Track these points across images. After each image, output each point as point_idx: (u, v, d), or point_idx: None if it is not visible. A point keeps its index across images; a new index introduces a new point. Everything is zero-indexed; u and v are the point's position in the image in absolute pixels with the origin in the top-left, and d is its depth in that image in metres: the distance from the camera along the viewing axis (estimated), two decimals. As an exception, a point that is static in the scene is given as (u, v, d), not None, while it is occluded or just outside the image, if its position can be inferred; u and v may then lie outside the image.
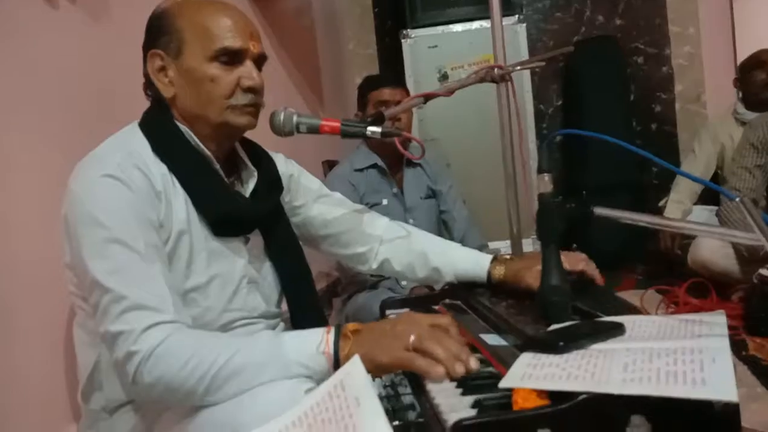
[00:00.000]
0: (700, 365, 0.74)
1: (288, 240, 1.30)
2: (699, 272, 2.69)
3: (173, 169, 1.12)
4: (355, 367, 0.76)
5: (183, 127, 1.16)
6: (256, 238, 1.24)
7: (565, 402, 0.72)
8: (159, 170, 1.10)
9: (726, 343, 0.81)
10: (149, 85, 1.19)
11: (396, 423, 0.91)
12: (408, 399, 1.08)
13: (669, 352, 0.79)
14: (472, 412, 0.77)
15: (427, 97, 1.55)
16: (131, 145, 1.11)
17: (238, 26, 1.14)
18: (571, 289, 1.03)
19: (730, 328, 2.16)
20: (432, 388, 0.88)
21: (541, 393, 0.74)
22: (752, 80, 3.01)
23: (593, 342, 0.87)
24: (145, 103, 1.21)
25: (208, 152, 1.16)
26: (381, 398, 0.97)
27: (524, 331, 0.99)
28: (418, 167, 2.47)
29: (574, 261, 1.30)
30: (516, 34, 3.37)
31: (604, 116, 3.70)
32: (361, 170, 2.38)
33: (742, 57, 3.38)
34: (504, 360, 0.91)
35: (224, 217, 1.15)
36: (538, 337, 0.92)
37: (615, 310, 1.04)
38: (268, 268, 1.26)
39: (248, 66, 1.15)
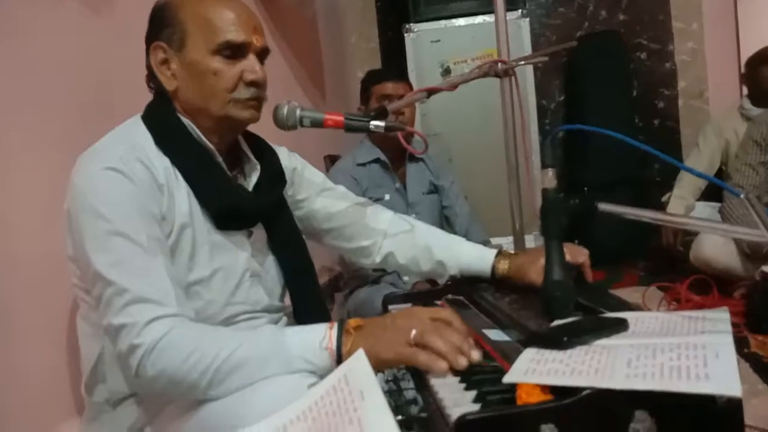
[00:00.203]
0: (703, 360, 0.74)
1: (291, 234, 1.30)
2: (701, 269, 2.68)
3: (176, 162, 1.12)
4: (359, 361, 0.76)
5: (186, 120, 1.15)
6: (259, 232, 1.24)
7: (568, 397, 0.72)
8: (162, 163, 1.10)
9: (730, 339, 0.81)
10: (152, 78, 1.18)
11: (399, 418, 0.91)
12: (411, 394, 1.08)
13: (672, 347, 0.79)
14: (476, 407, 0.77)
15: (430, 92, 1.55)
16: (134, 138, 1.11)
17: (242, 19, 1.14)
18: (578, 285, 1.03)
19: (732, 324, 2.17)
20: (435, 382, 0.88)
21: (544, 388, 0.74)
22: (760, 76, 3.00)
23: (597, 337, 0.87)
24: (145, 97, 1.21)
25: (210, 145, 1.16)
26: (383, 393, 0.97)
27: (527, 327, 0.99)
28: (421, 162, 2.47)
29: (576, 254, 1.30)
30: (519, 28, 3.37)
31: (607, 112, 3.70)
32: (363, 165, 2.37)
33: (745, 53, 3.37)
34: (507, 355, 0.91)
35: (227, 210, 1.15)
36: (541, 332, 0.92)
37: (615, 306, 1.04)
38: (271, 262, 1.26)
39: (251, 60, 1.14)
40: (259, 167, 1.24)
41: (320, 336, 0.97)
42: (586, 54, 3.80)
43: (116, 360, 1.06)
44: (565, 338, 0.85)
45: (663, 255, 3.17)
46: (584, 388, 0.72)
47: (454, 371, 0.91)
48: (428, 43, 3.42)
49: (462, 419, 0.70)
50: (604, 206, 1.02)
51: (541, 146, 3.31)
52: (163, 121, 1.15)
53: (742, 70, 3.22)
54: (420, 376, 0.94)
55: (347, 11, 4.05)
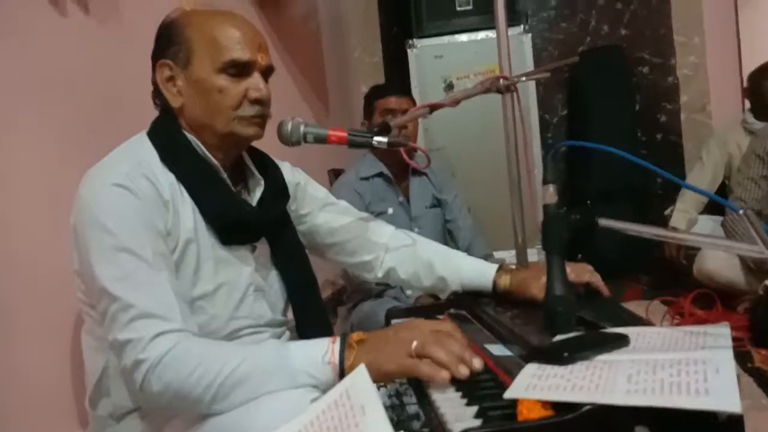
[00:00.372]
0: (704, 376, 0.75)
1: (294, 248, 1.31)
2: (704, 283, 2.68)
3: (181, 178, 1.13)
4: (360, 376, 0.76)
5: (191, 137, 1.17)
6: (263, 246, 1.25)
7: (569, 413, 0.72)
8: (167, 179, 1.11)
9: (730, 354, 0.82)
10: (157, 94, 1.20)
11: (401, 432, 0.92)
12: (413, 409, 1.08)
13: (673, 363, 0.79)
14: (477, 422, 0.77)
15: (433, 108, 1.56)
16: (139, 155, 1.12)
17: (247, 38, 1.15)
18: (578, 300, 1.04)
19: (735, 339, 2.16)
20: (437, 398, 0.89)
21: (545, 404, 0.75)
22: (762, 90, 3.00)
23: (598, 353, 0.88)
24: (151, 111, 1.22)
25: (215, 161, 1.17)
26: (386, 408, 0.98)
27: (529, 342, 0.99)
28: (424, 176, 2.48)
29: (581, 272, 1.30)
30: (521, 44, 3.39)
31: (609, 126, 3.70)
32: (366, 179, 2.39)
33: (747, 67, 3.38)
34: (509, 370, 0.91)
35: (231, 225, 1.16)
36: (542, 347, 0.93)
37: (621, 322, 1.04)
38: (274, 276, 1.27)
39: (256, 78, 1.16)
40: (263, 182, 1.25)
41: (323, 350, 0.98)
42: (588, 69, 3.82)
43: (120, 374, 1.07)
44: (566, 354, 0.85)
45: (666, 269, 3.17)
46: (585, 404, 0.72)
47: (456, 382, 0.91)
48: (431, 58, 3.44)
49: (463, 434, 0.70)
50: (605, 222, 1.02)
51: (543, 161, 3.31)
52: (168, 137, 1.16)
53: (745, 83, 3.23)
54: (422, 391, 0.94)
55: (351, 26, 4.08)
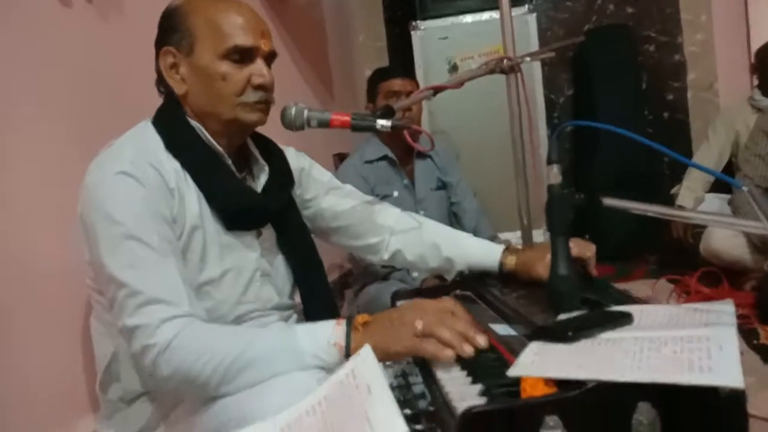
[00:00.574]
0: (707, 353, 0.75)
1: (300, 233, 1.32)
2: (711, 261, 2.68)
3: (185, 165, 1.14)
4: (365, 357, 0.77)
5: (195, 124, 1.17)
6: (269, 232, 1.26)
7: (572, 390, 0.73)
8: (172, 166, 1.12)
9: (733, 331, 0.82)
10: (161, 82, 1.20)
11: (407, 412, 0.93)
12: (419, 388, 1.09)
13: (676, 340, 0.80)
14: (482, 400, 0.78)
15: (437, 90, 1.55)
16: (144, 142, 1.13)
17: (250, 24, 1.15)
18: (581, 278, 1.04)
19: (742, 317, 2.16)
20: (442, 377, 0.90)
21: (548, 381, 0.76)
22: None
23: (601, 331, 0.88)
24: (155, 100, 1.23)
25: (219, 148, 1.18)
26: (392, 388, 0.99)
27: (533, 321, 1.00)
28: (429, 159, 2.48)
29: (584, 248, 1.30)
30: (526, 24, 3.36)
31: (616, 105, 3.68)
32: (371, 162, 2.39)
33: (755, 44, 3.34)
34: (513, 349, 0.92)
35: (236, 211, 1.17)
36: (546, 326, 0.93)
37: (620, 300, 1.05)
38: (280, 261, 1.28)
39: (259, 64, 1.16)
40: (267, 168, 1.26)
41: (329, 332, 0.99)
42: (594, 48, 3.78)
43: (130, 359, 1.09)
44: (570, 332, 0.86)
45: (673, 248, 3.16)
46: (588, 381, 0.73)
47: (461, 361, 0.93)
48: (435, 40, 3.42)
49: (467, 412, 0.71)
50: (609, 201, 1.03)
51: (549, 141, 3.30)
52: (172, 124, 1.17)
53: (752, 60, 3.19)
54: (427, 370, 0.95)
55: (355, 10, 4.06)
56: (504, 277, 1.35)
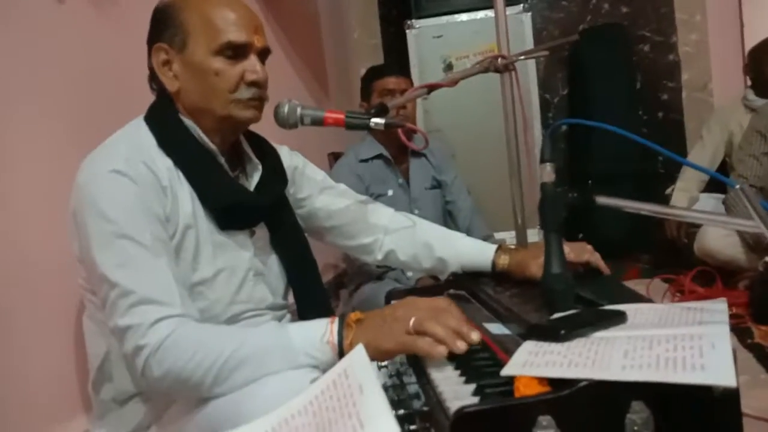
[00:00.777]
0: (699, 351, 0.75)
1: (293, 232, 1.31)
2: (705, 260, 2.68)
3: (178, 163, 1.13)
4: (358, 356, 0.77)
5: (188, 121, 1.17)
6: (262, 231, 1.25)
7: (565, 389, 0.72)
8: (164, 164, 1.11)
9: (726, 329, 0.82)
10: (154, 79, 1.20)
11: (402, 412, 0.93)
12: (413, 388, 1.09)
13: (669, 338, 0.80)
14: (475, 400, 0.78)
15: (431, 88, 1.55)
16: (137, 140, 1.12)
17: (243, 20, 1.15)
18: (578, 279, 1.04)
19: (736, 316, 2.17)
20: (435, 376, 0.90)
21: (542, 380, 0.75)
22: (763, 66, 2.98)
23: (595, 330, 0.88)
24: (150, 96, 1.22)
25: (212, 146, 1.17)
26: (387, 388, 0.99)
27: (527, 320, 1.00)
28: (423, 158, 2.47)
29: (580, 252, 1.30)
30: (521, 23, 3.36)
31: (611, 105, 3.69)
32: (366, 161, 2.39)
33: (749, 44, 3.35)
34: (507, 348, 0.92)
35: (229, 210, 1.16)
36: (540, 325, 0.93)
37: (621, 299, 1.04)
38: (274, 261, 1.27)
39: (252, 60, 1.15)
40: (260, 167, 1.25)
41: (322, 330, 0.99)
42: (589, 47, 3.79)
43: (122, 359, 1.08)
44: (563, 331, 0.86)
45: (668, 247, 3.17)
46: (581, 380, 0.73)
47: (455, 360, 0.92)
48: (430, 38, 3.42)
49: (460, 412, 0.71)
50: (602, 200, 1.02)
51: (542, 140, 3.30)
52: (165, 122, 1.16)
53: (746, 60, 3.20)
54: (421, 369, 0.95)
55: (349, 8, 4.05)
56: (497, 276, 1.35)
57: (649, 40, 4.04)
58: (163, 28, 1.16)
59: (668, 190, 3.14)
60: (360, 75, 2.55)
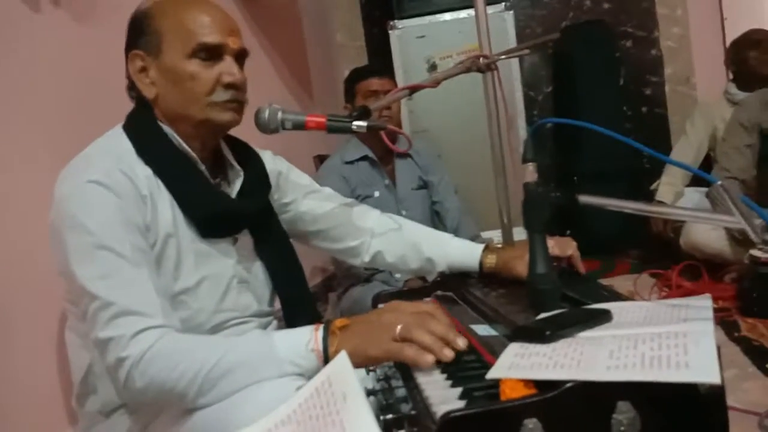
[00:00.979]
0: (683, 349, 0.75)
1: (278, 238, 1.31)
2: (692, 254, 2.70)
3: (158, 171, 1.12)
4: (341, 363, 0.76)
5: (166, 129, 1.16)
6: (245, 238, 1.25)
7: (551, 391, 0.72)
8: (144, 173, 1.10)
9: (710, 326, 0.82)
10: (132, 87, 1.19)
11: (390, 416, 0.92)
12: (401, 392, 1.09)
13: (654, 337, 0.80)
14: (461, 404, 0.77)
15: (413, 89, 1.55)
16: (116, 149, 1.11)
17: (216, 22, 1.14)
18: (561, 276, 1.04)
19: (722, 309, 2.17)
20: (422, 380, 0.89)
21: (528, 383, 0.75)
22: (744, 59, 3.00)
23: (580, 330, 0.88)
24: (129, 103, 1.21)
25: (192, 153, 1.16)
26: (375, 392, 0.98)
27: (513, 321, 0.99)
28: (409, 158, 2.47)
29: (564, 246, 1.30)
30: (503, 21, 3.36)
31: (595, 101, 3.69)
32: (351, 163, 2.38)
33: (731, 37, 3.37)
34: (494, 350, 0.91)
35: (210, 218, 1.15)
36: (525, 326, 0.93)
37: (602, 298, 1.04)
38: (258, 267, 1.27)
39: (228, 62, 1.14)
40: (242, 173, 1.24)
41: (306, 338, 0.98)
42: (573, 44, 3.80)
43: (106, 371, 1.07)
44: (548, 332, 0.85)
45: (656, 242, 3.18)
46: (566, 382, 0.72)
47: (442, 364, 0.91)
48: (413, 39, 3.42)
49: (446, 417, 0.70)
50: (585, 198, 1.02)
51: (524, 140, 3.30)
52: (143, 130, 1.15)
53: (727, 53, 3.22)
54: (407, 373, 0.94)
55: (332, 9, 4.05)
56: (485, 276, 1.35)
57: (631, 36, 4.06)
58: (138, 35, 1.15)
59: (654, 185, 3.15)
60: (344, 77, 2.55)
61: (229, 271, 1.19)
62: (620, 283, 2.63)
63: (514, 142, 1.73)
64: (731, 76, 3.16)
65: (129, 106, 1.21)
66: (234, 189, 1.23)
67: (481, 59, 1.67)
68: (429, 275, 1.48)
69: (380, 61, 3.67)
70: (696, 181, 3.12)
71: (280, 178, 1.38)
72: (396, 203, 2.38)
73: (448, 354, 0.91)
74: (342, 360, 0.77)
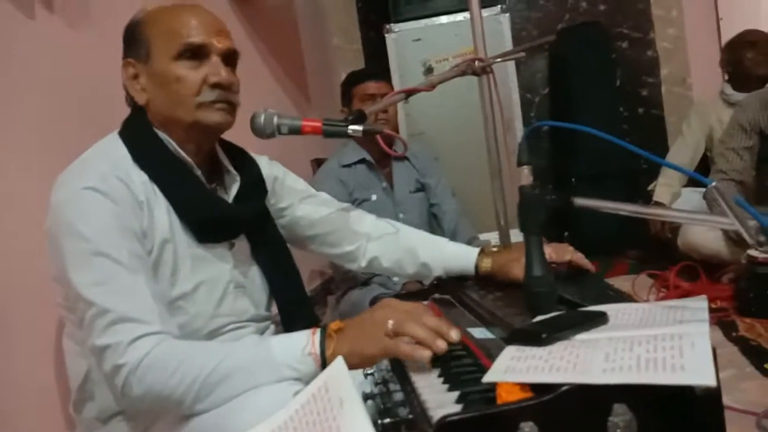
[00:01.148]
0: (679, 351, 0.75)
1: (274, 243, 1.31)
2: (690, 255, 2.70)
3: (154, 177, 1.12)
4: (338, 368, 0.76)
5: (161, 134, 1.16)
6: (242, 243, 1.25)
7: (547, 394, 0.72)
8: (140, 179, 1.11)
9: (706, 328, 0.82)
10: (127, 94, 1.19)
11: (387, 420, 0.92)
12: (399, 396, 1.09)
13: (650, 339, 0.80)
14: (458, 408, 0.77)
15: (409, 93, 1.55)
16: (111, 156, 1.11)
17: (202, 23, 1.15)
18: (563, 280, 1.04)
19: (720, 309, 2.17)
20: (419, 384, 0.89)
21: (524, 386, 0.75)
22: (740, 59, 3.00)
23: (576, 332, 0.88)
24: (125, 109, 1.21)
25: (188, 158, 1.16)
26: (374, 396, 0.98)
27: (509, 324, 1.00)
28: (407, 161, 2.47)
29: (561, 252, 1.31)
30: (499, 24, 3.36)
31: (592, 103, 3.69)
32: (349, 166, 2.38)
33: (726, 38, 3.37)
34: (490, 353, 0.91)
35: (207, 223, 1.16)
36: (521, 329, 0.93)
37: (605, 298, 1.04)
38: (255, 272, 1.27)
39: (214, 61, 1.15)
40: (238, 179, 1.24)
41: (303, 342, 0.98)
42: (569, 46, 3.80)
43: (104, 378, 1.06)
44: (544, 334, 0.85)
45: (654, 243, 3.18)
46: (563, 385, 0.73)
47: (439, 366, 0.92)
48: (410, 42, 3.41)
49: (442, 421, 0.70)
50: (580, 201, 1.03)
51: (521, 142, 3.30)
52: (138, 136, 1.15)
53: (722, 54, 3.22)
54: (405, 377, 0.94)
55: (329, 13, 4.05)
56: (481, 279, 1.35)
57: (627, 37, 4.06)
58: (131, 44, 1.17)
59: (651, 186, 3.15)
60: (341, 80, 2.55)
61: (225, 276, 1.19)
62: (619, 283, 2.61)
63: (512, 144, 1.73)
64: (726, 77, 3.16)
65: (124, 111, 1.21)
66: (230, 194, 1.23)
67: (476, 62, 1.67)
68: (425, 279, 1.48)
69: (377, 64, 3.67)
70: (694, 182, 3.12)
71: (276, 183, 1.38)
72: (393, 206, 2.38)
73: (441, 345, 0.91)
74: (338, 365, 0.77)
